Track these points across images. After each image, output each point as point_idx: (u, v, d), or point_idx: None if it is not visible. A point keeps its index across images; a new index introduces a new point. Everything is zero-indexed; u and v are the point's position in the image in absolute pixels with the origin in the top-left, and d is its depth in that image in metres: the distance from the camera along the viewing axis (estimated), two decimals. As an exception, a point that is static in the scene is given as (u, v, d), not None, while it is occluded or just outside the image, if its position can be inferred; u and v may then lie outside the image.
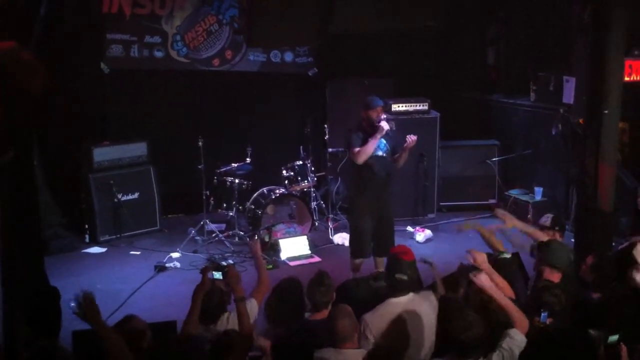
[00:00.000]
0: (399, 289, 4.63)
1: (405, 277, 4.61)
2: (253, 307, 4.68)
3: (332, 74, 10.22)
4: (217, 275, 4.53)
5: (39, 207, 5.89)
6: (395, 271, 4.62)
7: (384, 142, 6.71)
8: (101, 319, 4.03)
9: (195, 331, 4.44)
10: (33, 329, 4.71)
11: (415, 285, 4.80)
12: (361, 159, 6.60)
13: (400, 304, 4.59)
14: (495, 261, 4.95)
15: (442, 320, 4.09)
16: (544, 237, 5.57)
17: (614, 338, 3.92)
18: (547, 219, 6.03)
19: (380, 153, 6.71)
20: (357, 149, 6.60)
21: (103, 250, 8.48)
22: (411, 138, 6.65)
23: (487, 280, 4.25)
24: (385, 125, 6.59)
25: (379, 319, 4.54)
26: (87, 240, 8.63)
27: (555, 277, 4.91)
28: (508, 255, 5.07)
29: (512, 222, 5.75)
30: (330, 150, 9.61)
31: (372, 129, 6.64)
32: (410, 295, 4.64)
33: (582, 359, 3.95)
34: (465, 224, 5.98)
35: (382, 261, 5.98)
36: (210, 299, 4.54)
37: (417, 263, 4.77)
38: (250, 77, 9.94)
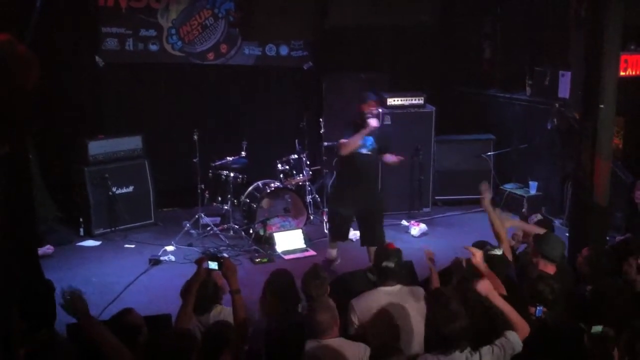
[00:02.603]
0: (387, 277, 4.71)
1: (392, 264, 4.70)
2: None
3: (328, 67, 10.19)
4: (213, 265, 4.43)
5: (34, 200, 5.87)
6: (382, 260, 4.73)
7: (371, 139, 6.80)
8: (89, 314, 3.99)
9: (190, 323, 4.43)
10: (28, 323, 4.69)
11: (404, 277, 4.89)
12: (344, 151, 6.74)
13: (386, 292, 4.68)
14: (487, 257, 4.94)
15: (429, 314, 4.11)
16: (541, 232, 5.58)
17: (597, 329, 3.87)
18: (534, 218, 6.05)
19: (364, 151, 6.82)
20: (342, 140, 6.75)
21: (97, 243, 8.45)
22: (392, 159, 6.97)
23: (489, 287, 4.17)
24: (373, 122, 6.69)
25: (364, 304, 4.63)
26: (81, 233, 8.60)
27: (549, 269, 4.94)
28: (499, 252, 5.06)
29: (510, 222, 5.76)
30: (325, 144, 9.58)
31: (362, 124, 6.75)
32: (399, 286, 4.70)
33: (576, 351, 3.95)
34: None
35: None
36: (204, 290, 4.52)
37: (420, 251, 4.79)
38: (245, 71, 9.92)
